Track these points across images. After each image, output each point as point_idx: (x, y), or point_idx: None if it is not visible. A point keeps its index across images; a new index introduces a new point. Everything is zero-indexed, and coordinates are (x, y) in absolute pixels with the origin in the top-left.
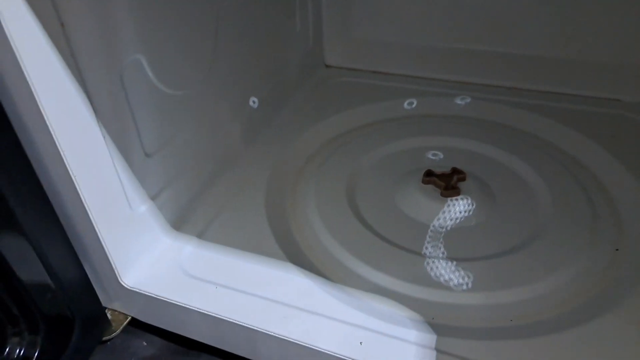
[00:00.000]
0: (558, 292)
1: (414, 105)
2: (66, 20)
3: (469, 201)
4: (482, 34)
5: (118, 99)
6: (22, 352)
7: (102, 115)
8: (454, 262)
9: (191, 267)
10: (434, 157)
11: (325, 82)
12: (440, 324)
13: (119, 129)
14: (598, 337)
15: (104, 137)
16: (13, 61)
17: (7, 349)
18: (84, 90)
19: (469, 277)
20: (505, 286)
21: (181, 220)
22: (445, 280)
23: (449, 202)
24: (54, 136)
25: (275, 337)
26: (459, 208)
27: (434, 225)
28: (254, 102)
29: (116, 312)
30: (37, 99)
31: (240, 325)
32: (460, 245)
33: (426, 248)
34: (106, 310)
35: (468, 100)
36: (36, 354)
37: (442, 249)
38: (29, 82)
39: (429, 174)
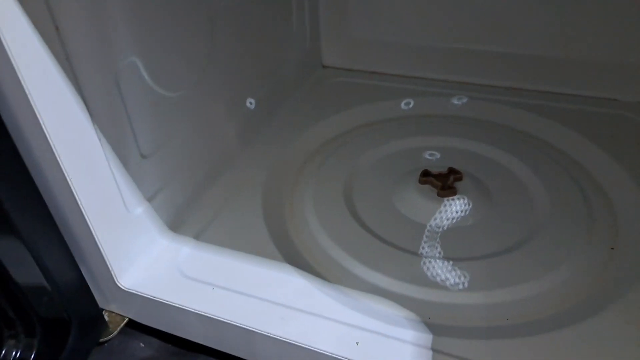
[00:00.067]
0: (554, 291)
1: (411, 106)
2: (61, 24)
3: (466, 201)
4: (480, 34)
5: (113, 101)
6: (18, 354)
7: (98, 117)
8: (451, 262)
9: (188, 268)
10: (430, 157)
11: (322, 83)
12: (437, 323)
13: (114, 131)
14: (594, 336)
15: (100, 139)
16: (8, 65)
17: (4, 352)
18: (79, 93)
19: (465, 277)
20: (501, 285)
21: (178, 222)
22: (442, 280)
23: (446, 202)
24: (49, 139)
25: (272, 338)
26: (455, 208)
27: (430, 225)
28: (250, 103)
29: (113, 314)
30: (32, 102)
31: (238, 326)
32: (456, 245)
33: (423, 248)
34: (103, 312)
35: (465, 100)
36: (32, 356)
37: (439, 249)
38: (24, 86)
39: (425, 174)
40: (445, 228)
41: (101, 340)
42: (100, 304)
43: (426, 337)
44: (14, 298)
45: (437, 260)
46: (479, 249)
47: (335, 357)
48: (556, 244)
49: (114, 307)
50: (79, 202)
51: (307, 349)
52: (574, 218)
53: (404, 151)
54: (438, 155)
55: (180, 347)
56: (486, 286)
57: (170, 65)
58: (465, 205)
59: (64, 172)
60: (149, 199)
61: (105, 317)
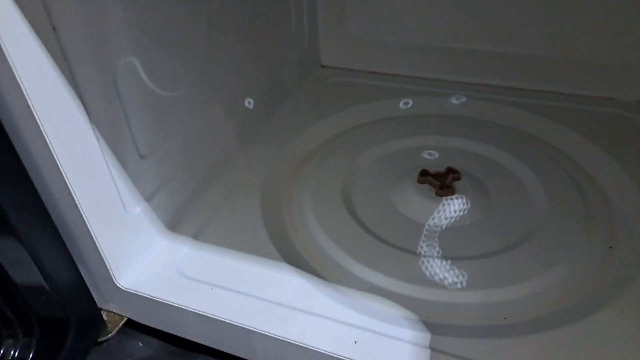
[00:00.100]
0: (552, 290)
1: (409, 105)
2: (58, 24)
3: (464, 200)
4: (478, 33)
5: (111, 101)
6: (16, 354)
7: (95, 117)
8: (449, 261)
9: (187, 268)
10: (429, 157)
11: (321, 82)
12: (435, 322)
13: (112, 131)
14: (592, 334)
15: (98, 139)
16: (5, 65)
17: (2, 351)
18: (76, 93)
19: (463, 276)
20: (499, 284)
21: (177, 222)
22: (440, 279)
23: (444, 201)
24: (47, 139)
25: (271, 337)
26: (453, 207)
27: (429, 225)
28: (249, 102)
29: (112, 314)
30: (29, 102)
31: (236, 325)
32: (455, 244)
33: (421, 247)
34: (102, 312)
35: (463, 99)
36: (31, 356)
37: (437, 248)
38: (21, 86)
39: (424, 173)
40: (443, 227)
41: (100, 339)
42: (99, 304)
43: (424, 336)
44: (12, 298)
45: (436, 260)
46: (477, 248)
47: (334, 356)
48: (554, 243)
49: (112, 307)
50: (77, 202)
51: (305, 348)
52: (572, 217)
53: (403, 151)
54: (436, 155)
55: (179, 346)
56: (484, 285)
57: (168, 65)
58: (463, 205)
59: (62, 171)
60: (148, 199)
61: (104, 317)
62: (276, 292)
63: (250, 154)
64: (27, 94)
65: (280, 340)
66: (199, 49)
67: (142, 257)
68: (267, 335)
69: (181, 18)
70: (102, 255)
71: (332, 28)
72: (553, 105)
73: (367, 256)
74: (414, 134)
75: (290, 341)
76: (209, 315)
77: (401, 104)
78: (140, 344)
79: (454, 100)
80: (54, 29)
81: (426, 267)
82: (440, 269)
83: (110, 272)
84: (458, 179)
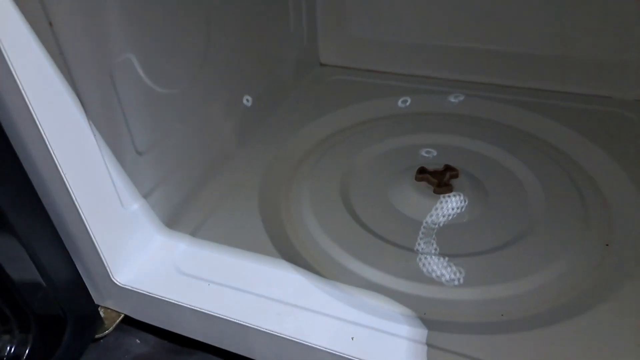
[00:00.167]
0: (549, 287)
1: (408, 104)
2: (54, 19)
3: (462, 198)
4: (476, 32)
5: (108, 98)
6: (12, 350)
7: (93, 114)
8: (446, 258)
9: (184, 264)
10: (427, 155)
11: (320, 81)
12: (432, 319)
13: (109, 128)
14: (588, 331)
15: (95, 136)
16: (1, 61)
17: None
18: (73, 90)
19: (460, 273)
20: (496, 281)
21: (174, 218)
22: (438, 276)
23: (442, 198)
24: (43, 135)
25: (268, 333)
26: (451, 205)
27: (426, 222)
28: (247, 100)
29: (109, 310)
30: (26, 98)
31: (234, 322)
32: (452, 241)
33: (419, 244)
34: (99, 308)
35: (461, 98)
36: (27, 352)
37: (435, 245)
38: (18, 82)
39: (422, 171)
40: (441, 225)
41: (97, 336)
42: (96, 300)
43: (421, 333)
44: (9, 294)
45: (433, 257)
46: (474, 245)
47: (331, 352)
48: (551, 240)
49: (109, 304)
50: (74, 199)
51: (303, 344)
52: (569, 214)
53: (401, 148)
54: (434, 153)
55: (176, 343)
56: (482, 282)
57: (166, 63)
58: (461, 202)
59: (59, 168)
60: (145, 196)
61: (101, 314)
62: (274, 289)
63: (248, 151)
64: (23, 89)
65: (278, 336)
66: (197, 46)
67: (140, 254)
68: (264, 332)
69: (180, 16)
70: (100, 251)
71: (331, 26)
72: (551, 104)
73: (364, 253)
74: (412, 132)
75: (288, 337)
76: (206, 311)
77: (400, 102)
78: (138, 341)
79: (452, 99)
80: (51, 24)
81: (424, 264)
82: (437, 266)
83: (108, 268)
84: (456, 176)
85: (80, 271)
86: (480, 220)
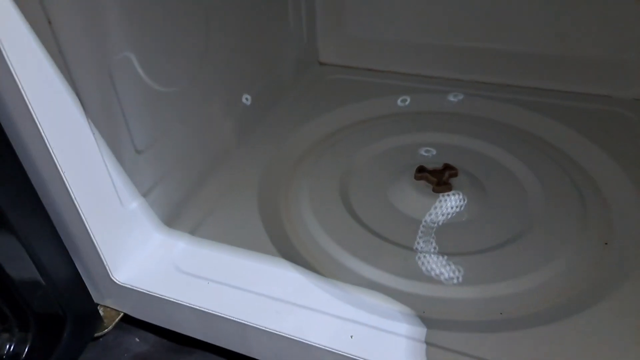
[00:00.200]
0: (548, 285)
1: (407, 103)
2: (53, 18)
3: (461, 197)
4: (475, 31)
5: (107, 96)
6: (11, 348)
7: (92, 112)
8: (445, 257)
9: (183, 263)
10: (426, 154)
11: (319, 80)
12: (431, 317)
13: (108, 126)
14: (587, 329)
15: (94, 134)
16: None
17: None
18: (72, 88)
19: (459, 272)
20: (495, 280)
21: (173, 217)
22: (437, 275)
23: (441, 197)
24: (42, 134)
25: (267, 332)
26: (450, 203)
27: (425, 221)
28: (247, 99)
29: (108, 309)
30: (24, 96)
31: (233, 320)
32: (451, 240)
33: (418, 243)
34: (98, 307)
35: (461, 97)
36: (26, 351)
37: (434, 244)
38: (16, 80)
39: (421, 169)
40: (440, 223)
41: (96, 335)
42: (95, 299)
43: (420, 331)
44: (8, 293)
45: (432, 255)
46: (473, 244)
47: (330, 351)
48: (550, 239)
49: (109, 302)
50: (73, 197)
51: (302, 342)
52: (568, 213)
53: (400, 147)
54: (434, 152)
55: (175, 342)
56: (480, 281)
57: (165, 61)
58: (460, 201)
59: (58, 167)
60: (144, 194)
61: (100, 312)
62: (273, 287)
63: (248, 150)
64: (22, 87)
65: (277, 335)
66: (197, 46)
67: (139, 252)
68: (263, 330)
69: (179, 15)
70: (99, 250)
71: (331, 25)
72: (550, 103)
73: (364, 252)
74: (412, 131)
75: (287, 336)
76: (205, 310)
77: (399, 101)
78: (137, 340)
79: (451, 98)
80: (50, 22)
81: (423, 263)
82: (436, 265)
83: (107, 267)
84: (455, 175)
85: (79, 270)
86: (480, 219)
